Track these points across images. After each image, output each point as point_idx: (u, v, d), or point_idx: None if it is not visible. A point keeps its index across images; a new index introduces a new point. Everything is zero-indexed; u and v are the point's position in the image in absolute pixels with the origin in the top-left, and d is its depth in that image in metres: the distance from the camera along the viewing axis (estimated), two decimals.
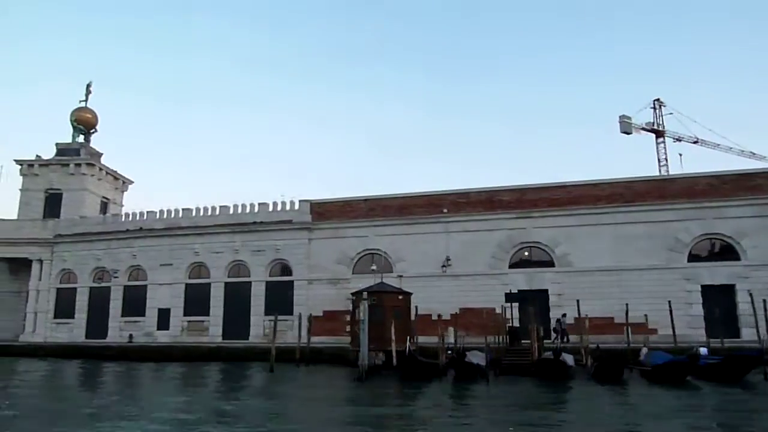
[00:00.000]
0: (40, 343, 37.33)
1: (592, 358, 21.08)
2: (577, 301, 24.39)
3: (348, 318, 34.30)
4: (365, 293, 24.54)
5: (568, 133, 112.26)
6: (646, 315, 27.17)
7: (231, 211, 37.28)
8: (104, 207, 46.68)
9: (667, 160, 78.49)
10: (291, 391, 18.16)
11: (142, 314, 37.70)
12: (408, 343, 22.20)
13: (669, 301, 24.75)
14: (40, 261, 40.43)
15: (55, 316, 39.92)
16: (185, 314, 36.86)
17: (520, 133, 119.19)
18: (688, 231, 29.89)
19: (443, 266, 32.29)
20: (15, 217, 43.80)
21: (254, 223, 36.37)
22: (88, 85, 48.44)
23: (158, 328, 37.05)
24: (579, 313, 24.14)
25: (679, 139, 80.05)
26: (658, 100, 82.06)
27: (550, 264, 31.67)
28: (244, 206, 37.09)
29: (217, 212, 37.51)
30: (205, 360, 30.46)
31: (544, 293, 31.08)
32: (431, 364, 20.59)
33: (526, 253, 32.31)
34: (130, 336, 36.96)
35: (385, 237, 34.16)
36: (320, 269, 34.97)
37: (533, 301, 25.26)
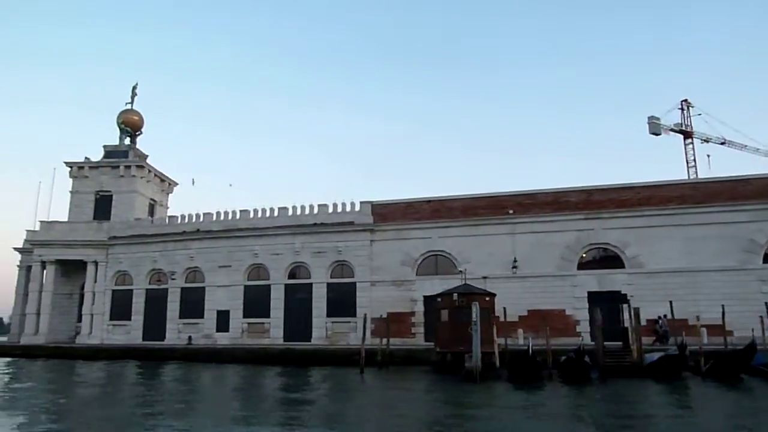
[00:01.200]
0: (99, 345, 37.28)
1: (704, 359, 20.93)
2: (670, 302, 24.17)
3: (413, 320, 34.55)
4: (455, 294, 24.49)
5: (596, 134, 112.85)
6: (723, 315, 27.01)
7: (290, 213, 37.24)
8: (152, 209, 46.70)
9: (695, 161, 78.40)
10: (424, 396, 17.54)
11: (201, 316, 37.65)
12: (528, 341, 22.00)
13: (766, 303, 24.43)
14: (95, 263, 40.42)
15: (111, 318, 39.89)
16: (245, 316, 36.80)
17: (552, 134, 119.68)
18: (763, 232, 29.74)
19: (513, 267, 32.17)
20: (65, 219, 43.81)
21: (315, 224, 36.31)
22: (134, 87, 48.56)
23: (218, 330, 36.99)
24: (673, 315, 24.00)
25: (707, 140, 79.86)
26: (685, 101, 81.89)
27: (620, 265, 31.56)
28: (303, 207, 37.06)
29: (276, 213, 37.47)
30: (269, 363, 30.38)
31: (615, 295, 30.97)
32: (541, 365, 20.53)
33: (596, 255, 32.22)
34: (189, 338, 36.89)
35: (450, 238, 34.08)
36: (383, 271, 34.89)
37: (619, 301, 25.14)
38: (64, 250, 40.62)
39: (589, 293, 31.21)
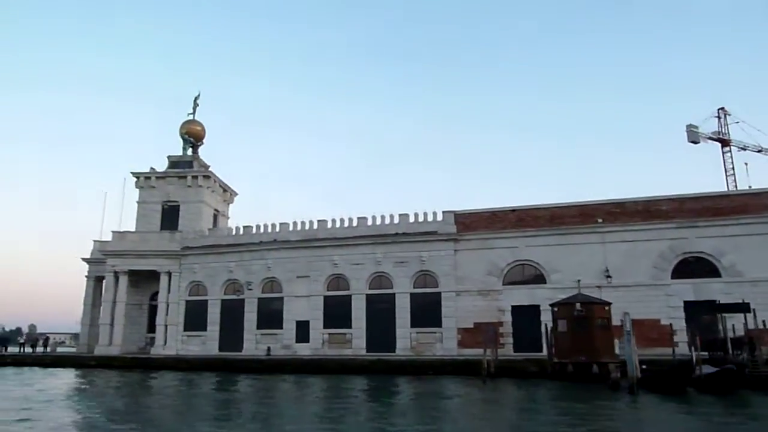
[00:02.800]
0: (176, 356, 37.09)
1: None
2: None
3: (501, 330, 34.26)
4: (578, 304, 24.33)
5: (633, 144, 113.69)
6: None
7: (370, 222, 37.14)
8: (215, 219, 46.68)
9: (734, 169, 78.19)
10: (611, 412, 16.85)
11: (280, 327, 37.46)
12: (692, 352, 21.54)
13: None
14: (168, 273, 40.35)
15: (185, 329, 39.75)
16: (325, 326, 36.60)
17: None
18: None
19: (608, 277, 31.94)
20: (131, 229, 43.77)
21: (396, 234, 36.19)
22: (196, 98, 48.70)
23: (297, 341, 36.79)
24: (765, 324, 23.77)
25: (744, 148, 79.67)
26: (722, 109, 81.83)
27: (715, 274, 31.32)
28: (383, 217, 36.98)
29: (355, 223, 37.37)
30: (351, 373, 30.11)
31: (711, 304, 30.70)
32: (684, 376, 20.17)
33: (690, 263, 31.97)
34: (268, 349, 36.67)
35: (537, 248, 33.89)
36: (469, 281, 34.70)
37: (740, 311, 24.77)
38: (137, 260, 40.58)
39: (685, 302, 31.04)
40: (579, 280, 30.28)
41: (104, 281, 43.60)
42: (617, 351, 27.74)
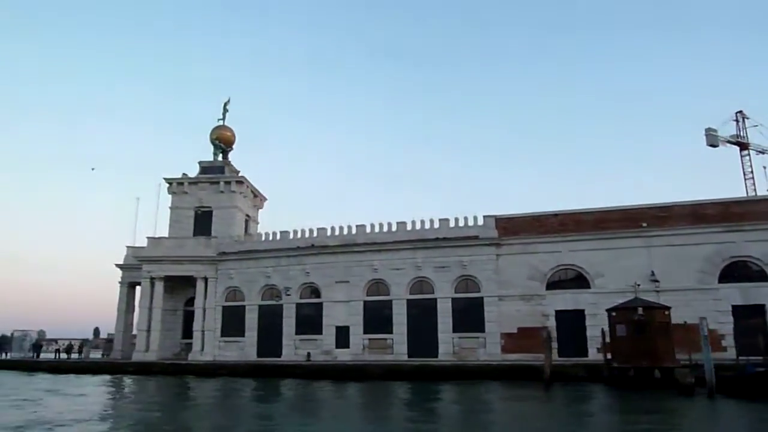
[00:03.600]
0: (214, 362, 37.00)
1: None
2: None
3: (545, 334, 34.09)
4: (640, 309, 24.23)
5: (650, 146, 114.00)
6: None
7: (409, 227, 37.07)
8: (246, 224, 46.63)
9: (753, 173, 78.04)
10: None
11: (319, 332, 37.36)
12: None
13: None
14: (205, 279, 40.28)
15: (222, 335, 39.66)
16: (365, 332, 36.48)
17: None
18: None
19: (655, 281, 31.80)
20: (163, 234, 43.73)
21: (437, 239, 36.12)
22: (226, 103, 48.71)
23: (337, 346, 36.66)
24: None
25: (762, 152, 79.51)
26: (740, 112, 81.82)
27: (763, 278, 31.17)
28: (422, 222, 36.91)
29: (394, 228, 37.31)
30: (395, 378, 29.99)
31: (760, 309, 30.65)
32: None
33: (736, 267, 31.85)
34: (308, 354, 36.56)
35: (581, 252, 33.78)
36: (511, 285, 34.59)
37: None
38: (173, 266, 40.52)
39: (733, 307, 30.92)
40: (638, 284, 30.21)
41: (137, 287, 43.64)
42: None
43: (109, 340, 56.82)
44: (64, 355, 44.37)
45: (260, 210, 49.96)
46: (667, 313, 25.00)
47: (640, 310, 23.98)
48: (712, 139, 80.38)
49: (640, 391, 21.96)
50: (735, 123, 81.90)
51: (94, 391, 25.31)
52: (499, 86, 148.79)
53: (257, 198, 48.64)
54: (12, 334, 48.21)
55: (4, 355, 44.05)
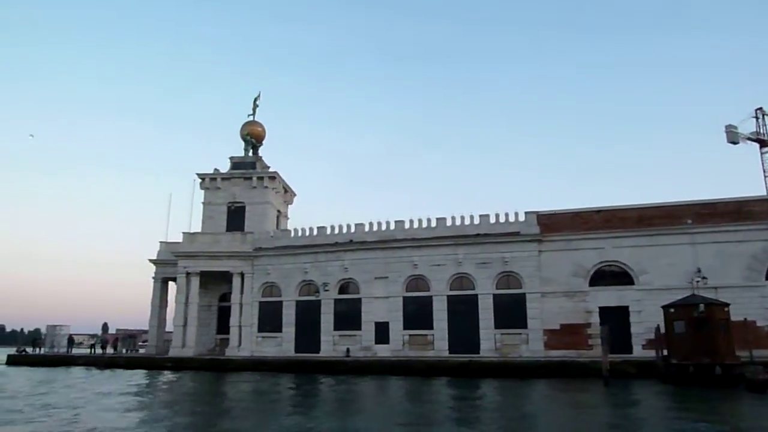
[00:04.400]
0: (251, 358, 36.99)
1: None
2: None
3: (589, 331, 34.11)
4: (701, 305, 24.15)
5: (670, 144, 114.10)
6: None
7: (449, 223, 36.99)
8: (277, 220, 46.57)
9: None
10: None
11: (358, 328, 37.33)
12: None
13: None
14: (241, 274, 40.23)
15: (260, 330, 39.65)
16: (405, 328, 36.45)
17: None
18: None
19: (704, 278, 31.68)
20: (196, 230, 43.64)
21: (478, 235, 36.04)
22: (256, 99, 48.64)
23: (377, 342, 36.63)
24: None
25: None
26: (760, 109, 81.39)
27: None
28: (463, 218, 36.84)
29: (433, 224, 37.23)
30: (438, 375, 29.92)
31: None
32: None
33: None
34: (348, 350, 36.53)
35: (625, 249, 33.69)
36: (554, 282, 34.52)
37: None
38: (209, 261, 40.47)
39: None
40: (697, 280, 30.14)
41: (170, 283, 43.64)
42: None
43: (131, 336, 56.96)
44: (99, 350, 44.40)
45: (290, 206, 49.91)
46: (726, 309, 24.93)
47: (701, 307, 23.88)
48: (733, 136, 79.69)
49: (706, 388, 21.80)
50: (755, 120, 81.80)
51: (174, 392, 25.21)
52: (539, 88, 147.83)
53: (288, 193, 48.58)
54: (45, 330, 48.20)
55: (37, 350, 44.17)
